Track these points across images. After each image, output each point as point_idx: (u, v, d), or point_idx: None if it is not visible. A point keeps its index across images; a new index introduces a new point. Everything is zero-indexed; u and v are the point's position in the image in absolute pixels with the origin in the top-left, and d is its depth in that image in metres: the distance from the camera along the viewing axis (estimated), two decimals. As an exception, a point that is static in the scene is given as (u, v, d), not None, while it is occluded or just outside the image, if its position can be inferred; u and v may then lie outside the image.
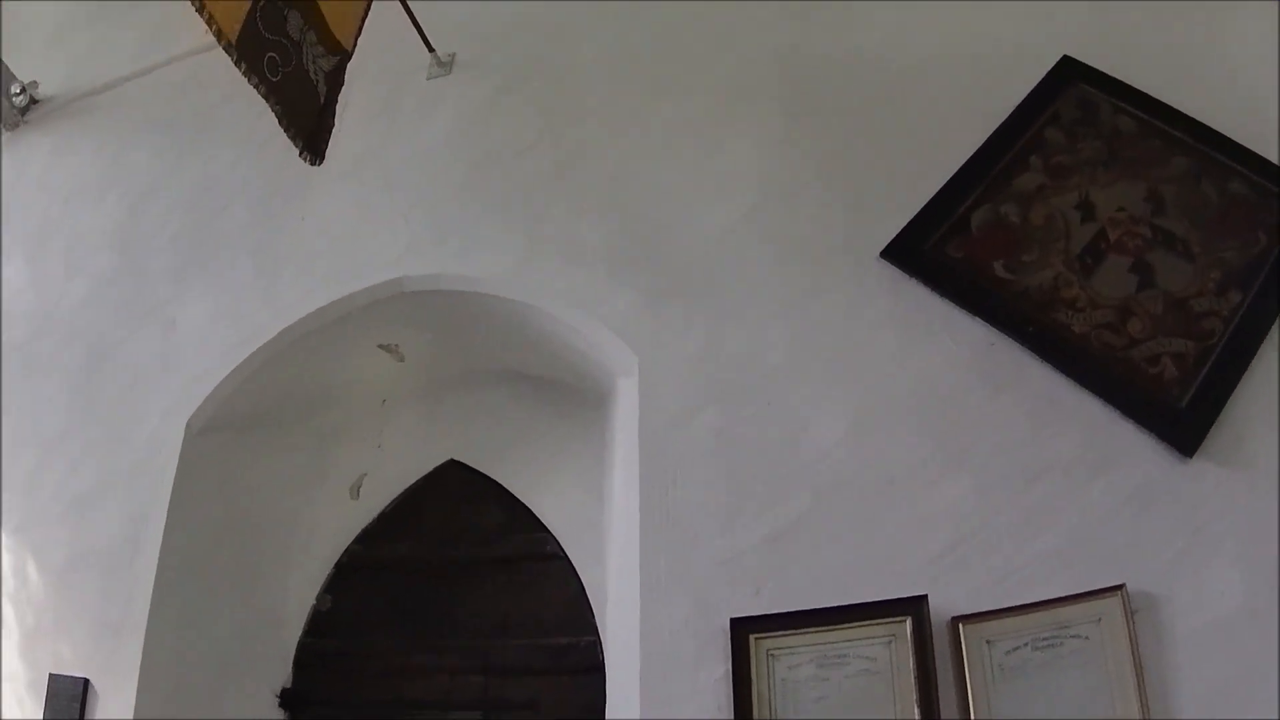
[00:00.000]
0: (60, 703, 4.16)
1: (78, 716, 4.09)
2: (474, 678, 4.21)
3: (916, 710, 2.83)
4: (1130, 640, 2.70)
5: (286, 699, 4.43)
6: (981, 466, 3.09)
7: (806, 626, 3.04)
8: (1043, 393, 3.12)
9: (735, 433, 3.39)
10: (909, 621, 2.93)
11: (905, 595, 2.97)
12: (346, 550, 4.59)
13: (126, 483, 4.32)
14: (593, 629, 4.11)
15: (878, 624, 2.97)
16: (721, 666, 3.08)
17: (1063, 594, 2.83)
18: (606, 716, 3.83)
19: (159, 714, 3.99)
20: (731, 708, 3.02)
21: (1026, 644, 2.83)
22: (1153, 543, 2.86)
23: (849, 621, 3.00)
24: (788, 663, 3.03)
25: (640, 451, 3.45)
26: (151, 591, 4.06)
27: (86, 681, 4.12)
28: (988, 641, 2.87)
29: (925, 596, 2.95)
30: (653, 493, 3.37)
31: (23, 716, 4.29)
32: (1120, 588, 2.77)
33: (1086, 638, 2.77)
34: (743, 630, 3.10)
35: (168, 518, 4.14)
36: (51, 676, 4.22)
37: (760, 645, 3.06)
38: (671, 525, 3.32)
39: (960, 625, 2.91)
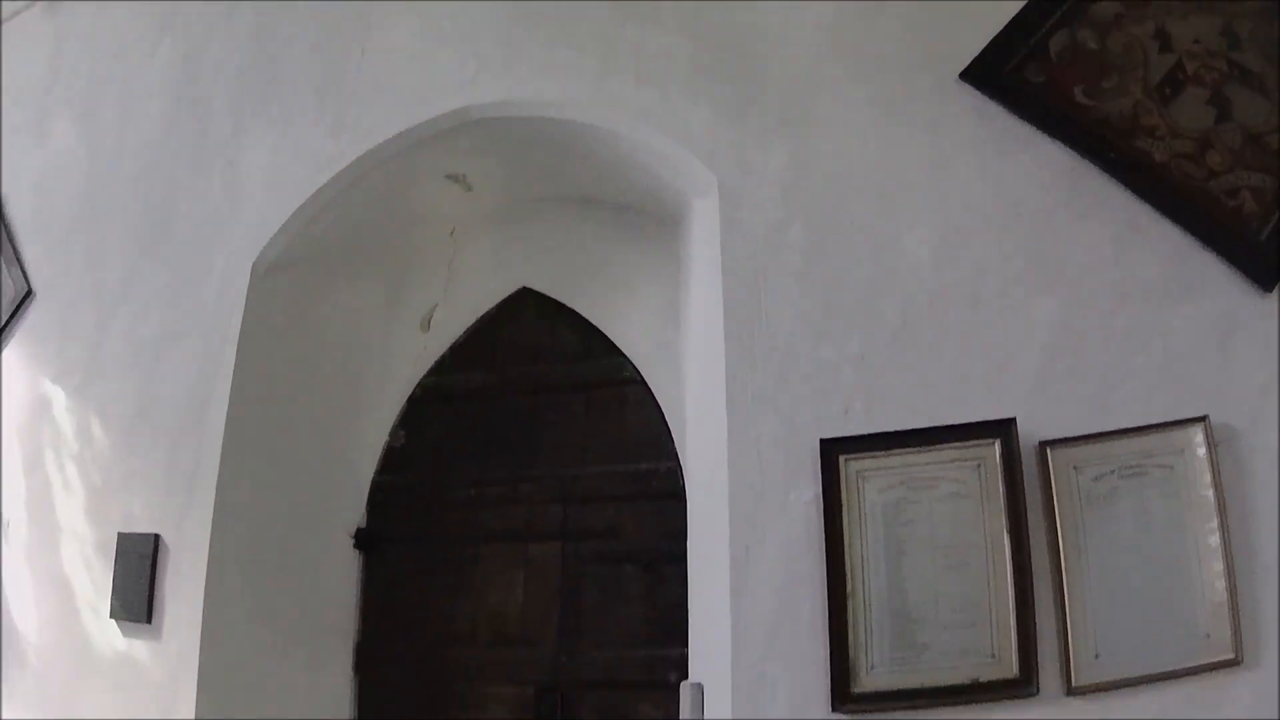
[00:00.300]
0: (130, 561, 4.17)
1: (149, 573, 4.11)
2: (553, 506, 4.19)
3: (1006, 535, 2.85)
4: (1213, 472, 2.74)
5: (361, 539, 4.45)
6: (1068, 289, 3.04)
7: (896, 448, 3.01)
8: (1124, 219, 3.05)
9: (820, 251, 3.28)
10: (997, 445, 2.91)
11: (993, 418, 2.94)
12: (419, 384, 4.52)
13: (194, 330, 4.25)
14: (672, 454, 4.04)
15: (967, 447, 2.94)
16: (811, 489, 3.05)
17: (1147, 423, 2.84)
18: (688, 542, 3.85)
19: (233, 565, 4.02)
20: (822, 531, 3.01)
21: (1113, 471, 2.85)
22: (1235, 375, 2.84)
23: (939, 444, 2.97)
24: (878, 484, 3.01)
25: (723, 272, 3.32)
26: (223, 438, 4.03)
27: (157, 537, 4.12)
28: (1075, 467, 2.87)
29: (1014, 420, 2.92)
30: (737, 313, 3.28)
31: (92, 579, 4.34)
32: (1204, 419, 2.78)
33: (1170, 467, 2.80)
34: (833, 451, 3.05)
35: (237, 362, 4.08)
36: (121, 535, 4.23)
37: (850, 466, 3.03)
38: (757, 345, 3.23)
39: (1048, 450, 2.89)
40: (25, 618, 4.58)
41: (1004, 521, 2.87)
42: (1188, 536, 2.78)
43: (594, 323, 4.31)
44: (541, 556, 4.19)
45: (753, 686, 2.95)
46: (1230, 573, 2.71)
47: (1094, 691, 2.76)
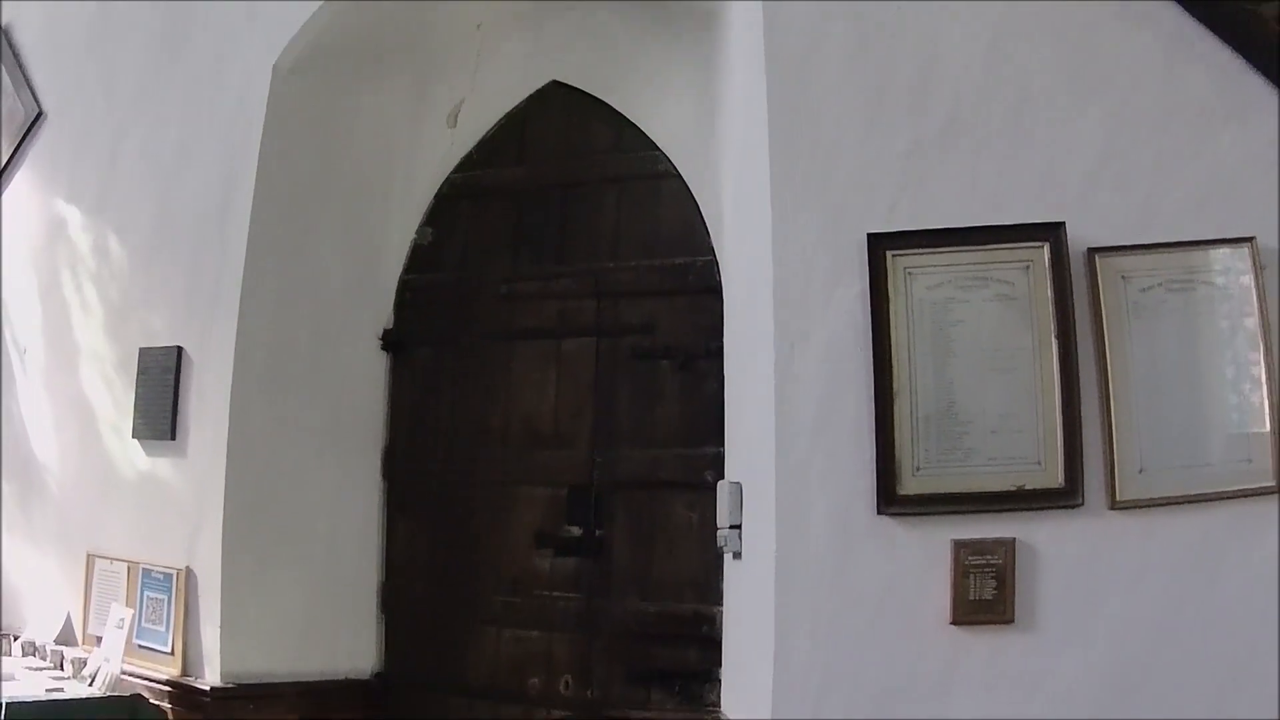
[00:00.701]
0: (153, 376, 4.10)
1: (173, 388, 4.03)
2: (587, 302, 4.02)
3: (1054, 340, 2.78)
4: (1259, 297, 2.71)
5: (389, 341, 4.33)
6: (1116, 100, 2.91)
7: (945, 245, 2.88)
8: (1175, 33, 2.89)
9: (865, 47, 3.06)
10: (1046, 248, 2.81)
11: (1042, 221, 2.85)
12: (446, 180, 4.35)
13: (213, 140, 4.10)
14: (709, 249, 3.87)
15: (1016, 248, 2.84)
16: (857, 284, 2.91)
17: (1195, 239, 2.79)
18: (725, 338, 3.75)
19: (259, 374, 3.94)
20: (868, 327, 2.88)
21: (1160, 284, 2.79)
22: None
23: (988, 243, 2.86)
24: (925, 282, 2.88)
25: (767, 67, 3.08)
26: (246, 245, 3.92)
27: (180, 350, 4.03)
28: (1123, 276, 2.80)
29: (1063, 224, 2.83)
30: (781, 107, 3.05)
31: (113, 398, 4.27)
32: (1250, 240, 2.74)
33: (1216, 285, 2.76)
34: (880, 246, 2.91)
35: (259, 167, 3.94)
36: (142, 351, 4.15)
37: (897, 262, 2.89)
38: (802, 137, 3.01)
39: (1096, 257, 2.81)
40: (46, 446, 4.53)
41: (1052, 326, 2.79)
42: (1232, 359, 2.76)
43: (627, 116, 4.10)
44: (575, 354, 4.04)
45: (796, 486, 2.85)
46: (1274, 401, 2.69)
47: (1137, 507, 2.73)
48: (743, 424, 3.44)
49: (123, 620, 3.89)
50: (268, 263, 3.97)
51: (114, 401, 4.27)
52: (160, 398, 4.08)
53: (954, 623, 2.74)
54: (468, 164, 4.32)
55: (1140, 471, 2.72)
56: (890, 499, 2.80)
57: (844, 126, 3.01)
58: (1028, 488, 2.76)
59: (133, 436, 4.16)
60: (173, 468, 4.05)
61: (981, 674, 2.72)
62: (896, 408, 2.82)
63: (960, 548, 2.76)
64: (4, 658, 4.16)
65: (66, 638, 4.28)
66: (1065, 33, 2.96)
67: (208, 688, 3.76)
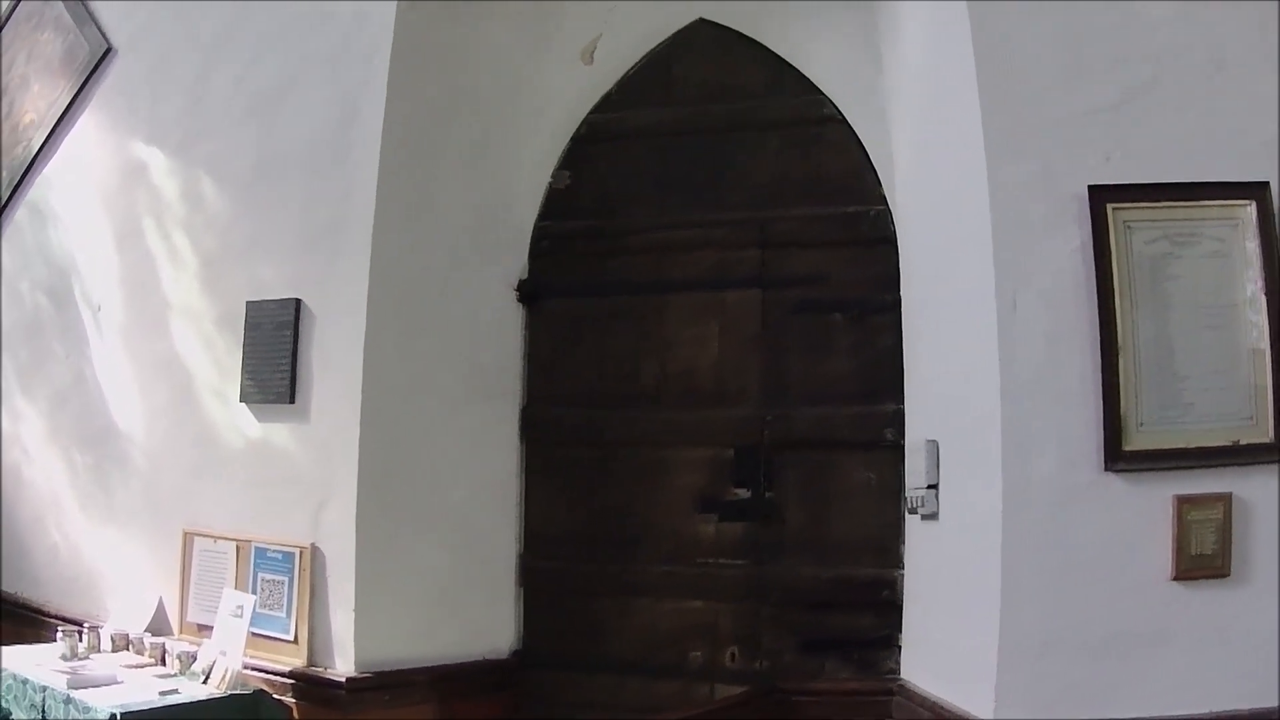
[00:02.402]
0: (265, 333, 3.83)
1: (291, 344, 3.77)
2: (749, 251, 3.89)
3: (1263, 298, 2.84)
4: None
5: (525, 292, 4.12)
6: None
7: (1161, 200, 2.90)
8: None
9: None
10: (1253, 206, 2.86)
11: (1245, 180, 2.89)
12: (585, 121, 4.16)
13: (321, 74, 3.86)
14: (880, 198, 3.78)
15: (1225, 205, 2.88)
16: (1076, 237, 2.90)
17: None
18: (902, 291, 3.71)
19: (392, 327, 3.71)
20: (1091, 280, 2.88)
21: None
22: None
23: (1199, 199, 2.89)
24: (1143, 236, 2.90)
25: (970, 11, 3.05)
26: (376, 184, 3.67)
27: (298, 302, 3.76)
28: None
29: (1267, 183, 2.87)
30: (988, 53, 3.02)
31: (213, 359, 4.00)
32: None
33: None
34: (1100, 198, 2.90)
35: (388, 101, 3.68)
36: (250, 305, 3.87)
37: (1117, 216, 2.89)
38: (1013, 86, 2.99)
39: None
40: (129, 413, 4.21)
41: (1260, 284, 2.84)
42: None
43: (783, 56, 3.97)
44: (737, 306, 3.90)
45: (1022, 443, 2.86)
46: None
47: None
48: (934, 379, 3.40)
49: (241, 607, 3.61)
50: (398, 204, 3.74)
51: (214, 362, 3.99)
52: (274, 356, 3.82)
53: (1175, 578, 2.79)
54: (607, 104, 4.15)
55: (1343, 427, 2.83)
56: (1116, 455, 2.82)
57: (1052, 77, 2.99)
58: (1242, 443, 2.82)
59: (240, 401, 3.88)
60: (291, 434, 3.79)
61: (1200, 627, 2.78)
62: (1121, 363, 2.85)
63: (1182, 503, 2.80)
64: (96, 654, 3.84)
65: (159, 627, 4.00)
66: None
67: (342, 679, 3.55)
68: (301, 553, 3.68)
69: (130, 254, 4.24)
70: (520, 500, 4.09)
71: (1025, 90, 3.00)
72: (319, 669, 3.61)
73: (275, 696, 3.54)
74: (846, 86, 3.89)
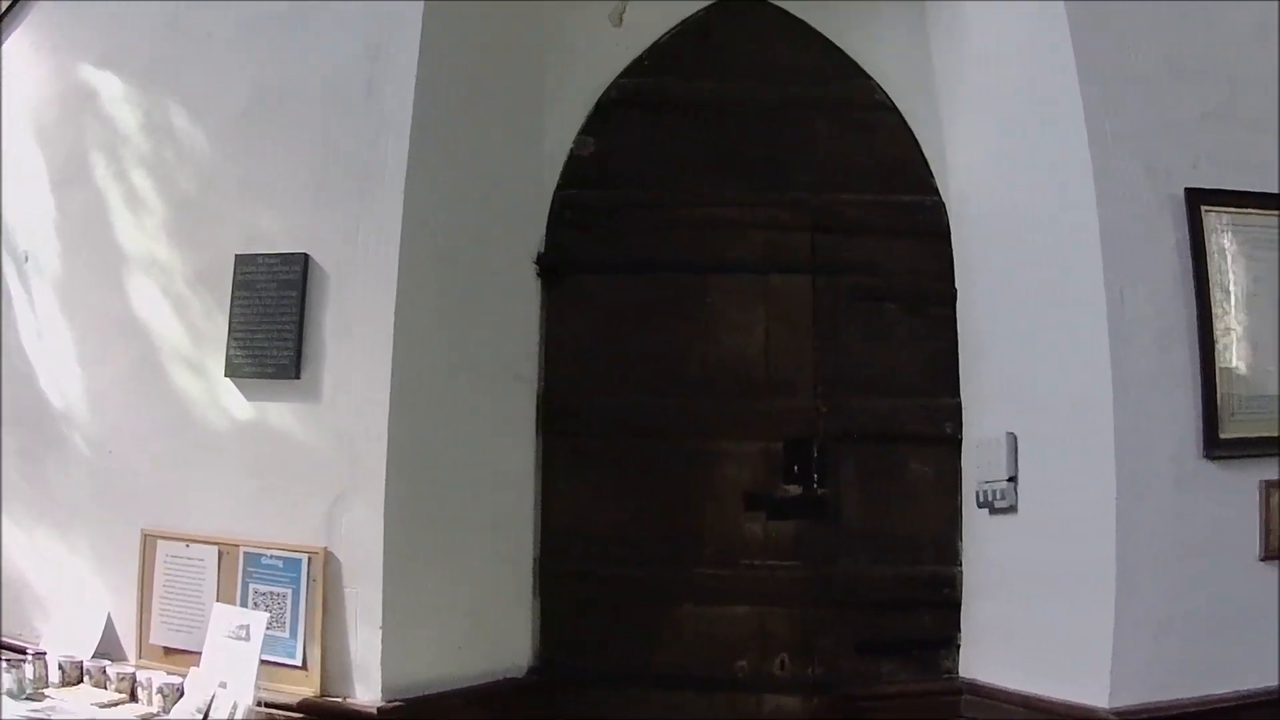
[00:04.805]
0: (262, 294, 3.39)
1: (298, 308, 3.35)
2: (799, 235, 3.82)
3: None
4: None
5: (546, 265, 3.86)
6: None
7: (1249, 206, 3.23)
8: None
9: (1158, 10, 3.33)
10: None
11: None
12: (613, 84, 3.96)
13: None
14: (934, 189, 3.85)
15: None
16: (1173, 234, 3.19)
17: None
18: (956, 284, 3.82)
19: (426, 292, 3.37)
20: (1190, 278, 3.17)
21: None
22: None
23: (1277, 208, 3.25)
24: (1234, 237, 3.21)
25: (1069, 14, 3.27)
26: (411, 125, 3.31)
27: (306, 258, 3.35)
28: None
29: None
30: (1090, 55, 3.25)
31: (185, 324, 3.51)
32: None
33: None
34: (1196, 200, 3.20)
35: (422, 40, 3.36)
36: (240, 260, 3.41)
37: (1210, 218, 3.19)
38: (1115, 90, 3.24)
39: None
40: (69, 388, 3.62)
41: None
42: None
43: (829, 37, 3.95)
44: (786, 291, 3.80)
45: (1134, 433, 3.09)
46: None
47: None
48: (1010, 373, 3.53)
49: (245, 628, 3.11)
50: (432, 153, 3.39)
51: (188, 328, 3.49)
52: (273, 322, 3.38)
53: (1264, 559, 3.13)
54: (638, 69, 3.96)
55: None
56: (1214, 444, 3.13)
57: (1149, 81, 3.27)
58: None
59: (226, 375, 3.39)
60: (296, 415, 3.35)
61: None
62: (1218, 355, 3.16)
63: (1270, 488, 3.15)
64: (49, 689, 3.27)
65: (108, 650, 3.43)
66: None
67: (372, 709, 3.12)
68: (311, 559, 3.23)
69: (71, 196, 3.65)
70: (537, 498, 3.78)
71: (1125, 92, 3.24)
72: (336, 699, 3.17)
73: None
74: (897, 74, 3.97)
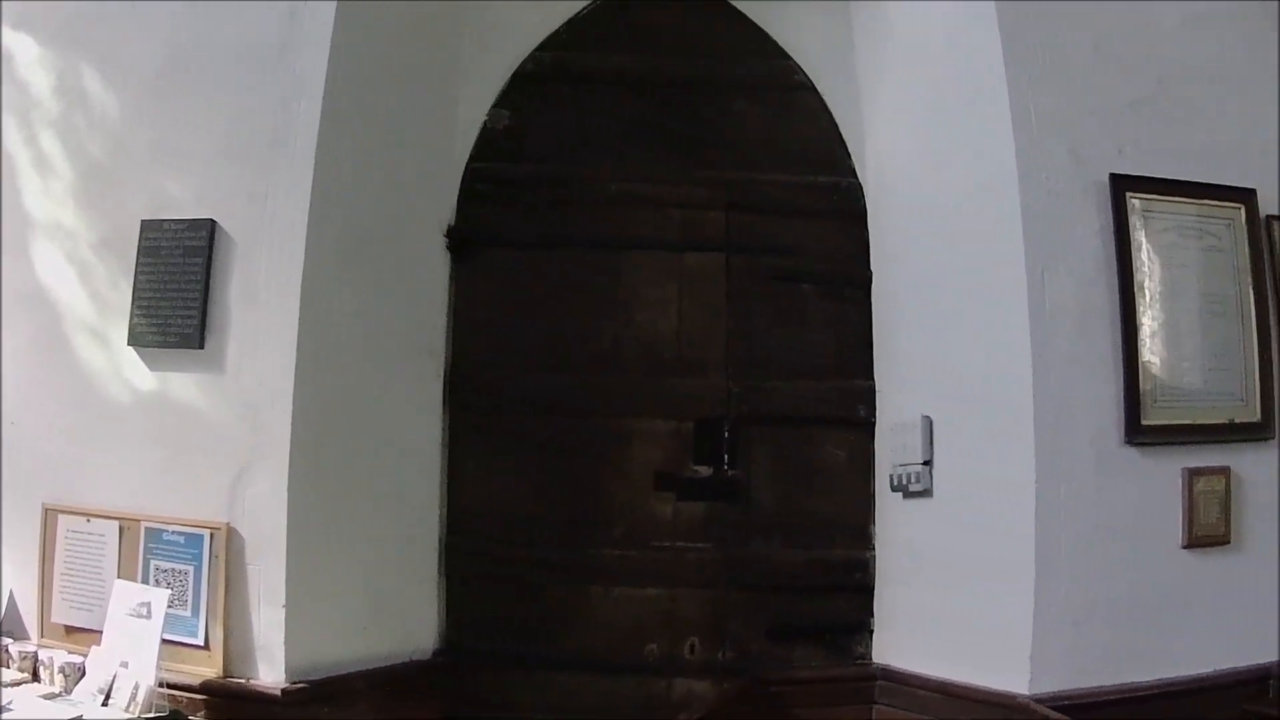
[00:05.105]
0: (167, 261, 3.47)
1: (203, 276, 3.43)
2: (715, 213, 3.97)
3: (1251, 292, 3.47)
4: None
5: (456, 239, 3.97)
6: None
7: (1171, 194, 3.43)
8: None
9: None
10: (1243, 210, 3.49)
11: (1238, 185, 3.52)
12: (530, 57, 4.09)
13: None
14: (851, 171, 4.01)
15: (1221, 205, 3.48)
16: (1098, 219, 3.37)
17: None
18: (872, 266, 3.99)
19: (334, 262, 3.47)
20: (1112, 263, 3.35)
21: None
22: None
23: (1202, 198, 3.46)
24: (1157, 225, 3.40)
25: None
26: (324, 89, 3.43)
27: (213, 225, 3.44)
28: None
29: (1254, 190, 3.52)
30: (1017, 39, 3.42)
31: (90, 293, 3.58)
32: None
33: None
34: (1121, 186, 3.39)
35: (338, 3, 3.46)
36: (146, 225, 3.50)
37: (1134, 203, 3.38)
38: (1042, 74, 3.41)
39: (1274, 224, 3.55)
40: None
41: (1249, 279, 3.46)
42: None
43: (750, 17, 4.11)
44: (700, 270, 3.94)
45: (1054, 417, 3.24)
46: None
47: None
48: (927, 356, 3.69)
49: (146, 605, 3.17)
50: (344, 120, 3.51)
51: (92, 295, 3.58)
52: (178, 290, 3.46)
53: (1186, 546, 3.31)
54: (555, 43, 4.10)
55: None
56: (1135, 429, 3.30)
57: (1075, 68, 3.44)
58: (1237, 421, 3.41)
59: (129, 344, 3.48)
60: (199, 386, 3.43)
61: (1207, 591, 3.33)
62: (1141, 341, 3.33)
63: (1193, 475, 3.33)
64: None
65: (10, 628, 3.49)
66: (1253, 16, 3.67)
67: (276, 690, 3.20)
68: (213, 535, 3.30)
69: (-26, 157, 3.69)
70: (443, 475, 3.89)
71: (1052, 78, 3.40)
72: (239, 680, 3.25)
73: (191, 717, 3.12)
74: (818, 55, 4.14)
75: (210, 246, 3.45)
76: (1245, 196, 3.51)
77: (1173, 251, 3.41)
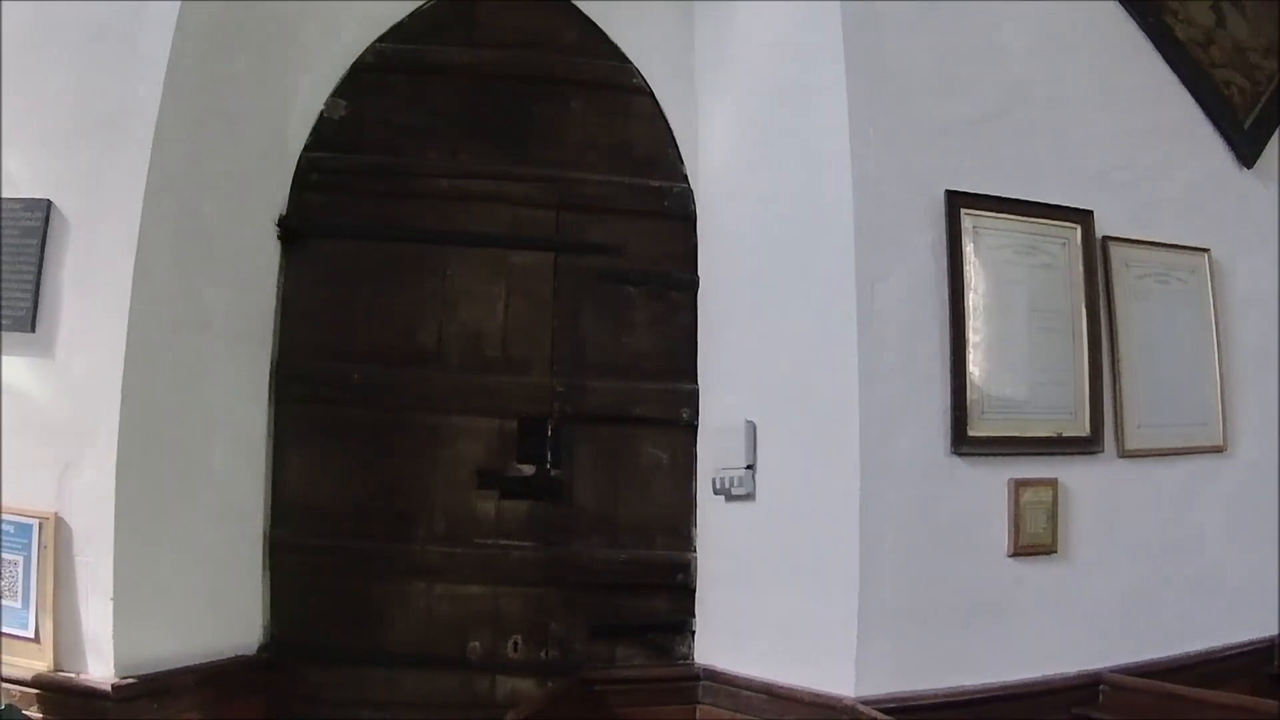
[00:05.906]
0: (8, 239, 3.71)
1: (36, 258, 3.69)
2: (545, 212, 4.43)
3: (1084, 309, 3.98)
4: (1212, 293, 4.32)
5: (288, 229, 4.32)
6: (1124, 108, 4.24)
7: (1006, 212, 3.90)
8: (1154, 71, 4.40)
9: (934, 12, 3.99)
10: (1079, 230, 4.01)
11: (1075, 206, 4.03)
12: (370, 48, 4.49)
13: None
14: (683, 175, 4.50)
15: (1057, 225, 3.99)
16: (930, 233, 3.80)
17: (1173, 242, 4.26)
18: (699, 271, 4.52)
19: (167, 247, 3.76)
20: (944, 277, 3.79)
21: (1150, 274, 4.19)
22: (1229, 222, 4.41)
23: (1037, 216, 3.96)
24: (989, 242, 3.85)
25: (842, 13, 3.85)
26: (166, 70, 3.72)
27: (49, 205, 3.70)
28: (1126, 264, 4.14)
29: (1092, 212, 4.05)
30: (858, 51, 3.83)
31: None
32: (1207, 251, 4.35)
33: (1186, 283, 4.27)
34: (956, 202, 3.83)
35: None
36: (-20, 205, 3.66)
37: (968, 220, 3.83)
38: (880, 88, 3.83)
39: (1109, 244, 4.12)
40: None
41: (1082, 297, 3.96)
42: (1196, 337, 4.26)
43: (591, 18, 4.60)
44: (528, 268, 4.39)
45: (880, 426, 3.65)
46: (1221, 379, 4.26)
47: (1138, 456, 4.05)
48: (752, 362, 4.13)
49: None
50: (185, 102, 3.82)
51: (-88, 275, 3.67)
52: (14, 271, 3.70)
53: (1012, 555, 3.78)
54: (398, 34, 4.50)
55: (1139, 427, 4.07)
56: (962, 440, 3.74)
57: (917, 84, 3.87)
58: (1065, 434, 3.91)
59: (-48, 328, 3.61)
60: (30, 371, 3.68)
61: (1034, 598, 3.80)
62: (969, 354, 3.78)
63: (1019, 486, 3.80)
64: None
65: None
66: (1094, 43, 4.21)
67: (107, 686, 3.43)
68: (42, 525, 3.51)
69: None
70: (268, 467, 4.22)
71: (893, 91, 3.82)
72: (70, 674, 3.48)
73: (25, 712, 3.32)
74: (656, 59, 4.64)
75: (45, 227, 3.69)
76: (1082, 217, 4.01)
77: (1005, 268, 3.85)
